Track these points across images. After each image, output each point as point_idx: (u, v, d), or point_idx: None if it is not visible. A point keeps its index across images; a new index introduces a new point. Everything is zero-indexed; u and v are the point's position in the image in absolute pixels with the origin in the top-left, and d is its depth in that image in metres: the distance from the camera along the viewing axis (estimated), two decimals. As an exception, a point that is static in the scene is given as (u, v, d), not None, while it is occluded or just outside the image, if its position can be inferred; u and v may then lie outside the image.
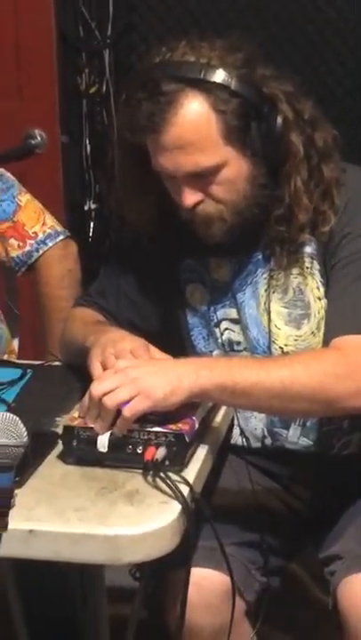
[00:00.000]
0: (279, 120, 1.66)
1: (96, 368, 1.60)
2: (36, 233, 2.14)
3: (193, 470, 1.47)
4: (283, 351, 1.77)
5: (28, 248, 2.13)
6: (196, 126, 1.62)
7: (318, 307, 1.75)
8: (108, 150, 2.99)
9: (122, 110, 1.69)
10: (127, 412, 1.45)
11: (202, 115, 1.61)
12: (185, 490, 1.40)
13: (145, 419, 1.48)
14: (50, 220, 2.17)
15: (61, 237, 2.17)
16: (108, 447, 1.47)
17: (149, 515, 1.36)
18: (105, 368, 1.59)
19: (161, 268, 1.86)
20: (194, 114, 1.61)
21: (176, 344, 1.84)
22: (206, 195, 1.67)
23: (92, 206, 3.05)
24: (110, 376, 1.51)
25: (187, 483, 1.42)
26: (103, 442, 1.47)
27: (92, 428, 1.49)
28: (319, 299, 1.75)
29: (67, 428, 1.50)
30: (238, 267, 1.79)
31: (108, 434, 1.47)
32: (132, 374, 1.48)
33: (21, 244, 2.13)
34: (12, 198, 2.13)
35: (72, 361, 1.80)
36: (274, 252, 1.74)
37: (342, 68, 2.78)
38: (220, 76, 1.61)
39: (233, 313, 1.81)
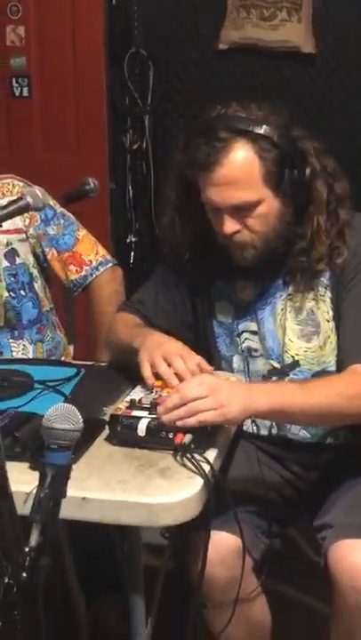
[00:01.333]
0: (308, 170, 1.65)
1: (146, 367, 1.60)
2: (90, 261, 2.14)
3: (213, 452, 1.47)
4: (294, 359, 1.76)
5: (84, 273, 2.13)
6: (243, 167, 1.61)
7: (327, 327, 1.73)
8: (147, 194, 3.00)
9: (181, 151, 1.69)
10: (203, 417, 1.44)
11: (248, 158, 1.61)
12: (207, 468, 1.40)
13: None
14: (102, 251, 2.18)
15: (110, 264, 2.17)
16: (146, 432, 1.47)
17: (178, 487, 1.36)
18: (154, 368, 1.59)
19: (195, 286, 1.85)
20: (242, 157, 1.61)
21: (203, 348, 1.83)
22: (244, 225, 1.66)
23: (133, 239, 3.05)
24: (199, 383, 1.49)
25: (208, 462, 1.42)
26: (142, 428, 1.47)
27: (133, 416, 1.48)
28: (328, 321, 1.73)
29: (112, 416, 1.50)
30: (261, 289, 1.78)
31: (147, 421, 1.47)
32: (218, 389, 1.47)
33: (79, 269, 2.13)
34: (72, 233, 2.14)
35: (115, 359, 1.79)
36: (294, 279, 1.73)
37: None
38: (265, 129, 1.61)
39: (253, 326, 1.79)
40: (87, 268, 2.13)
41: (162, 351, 1.60)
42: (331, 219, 1.69)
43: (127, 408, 1.52)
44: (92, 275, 2.13)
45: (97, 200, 2.77)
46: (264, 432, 1.81)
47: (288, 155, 1.63)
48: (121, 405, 1.53)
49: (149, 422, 1.47)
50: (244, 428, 1.80)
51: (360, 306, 1.68)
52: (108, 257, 2.18)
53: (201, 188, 1.66)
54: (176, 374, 1.58)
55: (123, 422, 1.48)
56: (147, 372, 1.59)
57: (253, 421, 1.80)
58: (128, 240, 3.05)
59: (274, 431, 1.81)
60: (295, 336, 1.76)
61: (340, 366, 1.70)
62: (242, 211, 1.64)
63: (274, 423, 1.80)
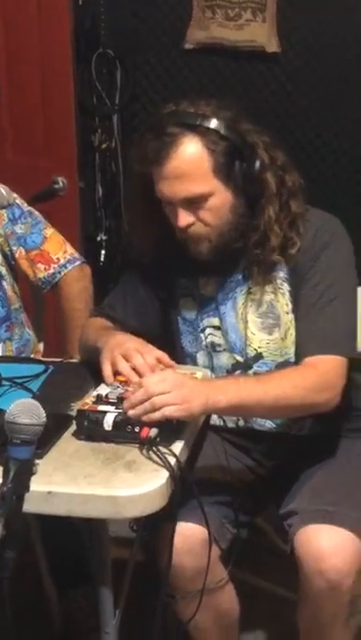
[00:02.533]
0: (258, 163, 1.67)
1: (106, 366, 1.61)
2: (58, 259, 2.14)
3: (179, 445, 1.47)
4: (256, 351, 1.77)
5: (52, 270, 2.13)
6: (192, 160, 1.62)
7: (287, 319, 1.75)
8: (116, 193, 3.00)
9: (135, 148, 1.70)
10: (168, 412, 1.45)
11: (197, 151, 1.63)
12: (172, 460, 1.41)
13: None
14: (69, 249, 2.17)
15: (78, 262, 2.17)
16: (112, 427, 1.47)
17: (144, 480, 1.36)
18: (114, 367, 1.60)
19: (160, 284, 1.85)
20: (191, 150, 1.62)
21: (169, 346, 1.83)
22: (197, 218, 1.67)
23: (103, 238, 3.04)
24: (164, 378, 1.50)
25: (174, 455, 1.42)
26: (109, 422, 1.47)
27: (99, 411, 1.48)
28: (287, 313, 1.74)
29: (79, 412, 1.50)
30: (222, 284, 1.79)
31: (113, 416, 1.48)
32: (182, 384, 1.49)
33: (47, 267, 2.13)
34: (39, 231, 2.13)
35: (88, 360, 1.80)
36: (252, 273, 1.74)
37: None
38: (213, 123, 1.63)
39: (215, 321, 1.81)
40: (55, 265, 2.13)
41: (122, 349, 1.61)
42: (283, 210, 1.70)
43: (94, 403, 1.52)
44: (60, 272, 2.13)
45: (67, 199, 2.79)
46: (231, 424, 1.82)
47: (237, 147, 1.64)
48: (88, 401, 1.53)
49: (116, 417, 1.47)
50: (212, 421, 1.80)
51: (315, 298, 1.69)
52: (76, 255, 2.18)
53: (154, 182, 1.67)
54: (136, 370, 1.58)
55: (89, 417, 1.48)
56: (106, 370, 1.60)
57: (220, 416, 1.80)
58: (98, 238, 3.04)
59: (241, 423, 1.82)
60: (257, 329, 1.77)
61: (297, 359, 1.72)
62: (194, 203, 1.65)
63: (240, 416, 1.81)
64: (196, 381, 1.57)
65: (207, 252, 1.71)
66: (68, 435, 1.51)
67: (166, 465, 1.39)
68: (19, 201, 2.10)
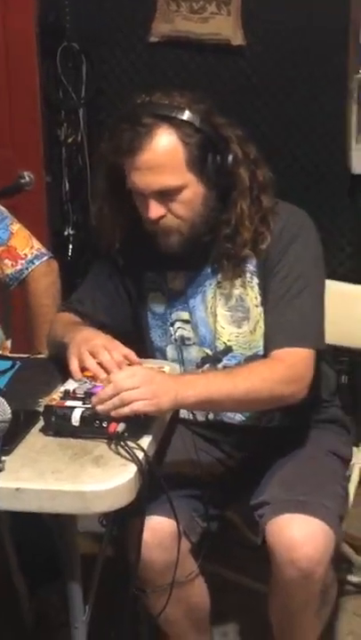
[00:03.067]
0: (231, 157, 1.67)
1: (73, 362, 1.60)
2: (25, 254, 2.12)
3: (147, 439, 1.47)
4: (226, 345, 1.77)
5: (19, 267, 2.11)
6: (166, 152, 1.62)
7: (256, 312, 1.75)
8: (83, 187, 2.98)
9: (107, 138, 1.69)
10: (137, 407, 1.44)
11: (171, 143, 1.62)
12: (140, 455, 1.41)
13: None
14: (36, 244, 2.16)
15: (46, 257, 2.16)
16: (80, 422, 1.46)
17: (112, 474, 1.36)
18: (81, 363, 1.59)
19: (129, 278, 1.85)
20: (165, 142, 1.61)
21: (138, 340, 1.83)
22: (168, 210, 1.66)
23: (71, 232, 3.03)
24: (134, 373, 1.49)
25: (142, 449, 1.42)
26: (76, 417, 1.46)
27: (67, 406, 1.48)
28: (257, 306, 1.75)
29: (47, 407, 1.49)
30: (191, 278, 1.79)
31: (80, 411, 1.47)
32: (151, 379, 1.48)
33: (14, 263, 2.11)
34: (5, 227, 2.11)
35: (56, 356, 1.79)
36: (222, 266, 1.74)
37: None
38: (187, 115, 1.62)
39: (185, 315, 1.80)
40: (22, 261, 2.11)
41: (89, 346, 1.60)
42: (254, 205, 1.70)
43: (61, 399, 1.51)
44: (27, 268, 2.11)
45: (33, 194, 2.76)
46: (201, 418, 1.82)
47: (211, 140, 1.64)
48: (55, 396, 1.53)
49: (83, 412, 1.47)
50: (181, 415, 1.81)
51: (283, 291, 1.70)
52: (43, 250, 2.16)
53: (126, 173, 1.66)
54: (103, 367, 1.57)
55: (57, 413, 1.47)
56: (73, 366, 1.59)
57: (190, 410, 1.81)
58: (66, 233, 3.03)
59: (210, 416, 1.82)
60: (226, 322, 1.77)
61: (265, 352, 1.72)
62: (166, 196, 1.65)
63: (210, 409, 1.82)
64: (164, 376, 1.56)
65: (177, 245, 1.70)
66: (35, 430, 1.50)
67: (134, 459, 1.39)
68: None
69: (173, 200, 1.65)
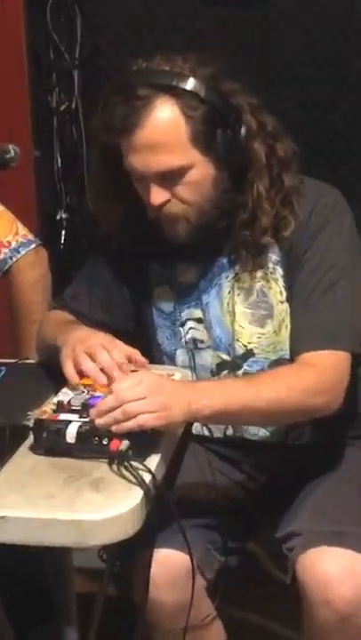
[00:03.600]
0: (243, 129, 1.66)
1: (69, 366, 1.59)
2: (9, 242, 2.13)
3: (155, 459, 1.46)
4: (247, 348, 1.77)
5: (1, 256, 2.12)
6: (166, 129, 1.62)
7: (281, 309, 1.75)
8: (78, 163, 2.98)
9: (99, 113, 1.69)
10: (143, 420, 1.43)
11: (172, 118, 1.62)
12: (147, 477, 1.40)
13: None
14: (22, 230, 2.16)
15: (33, 245, 2.16)
16: (76, 439, 1.46)
17: (113, 500, 1.35)
18: (77, 366, 1.58)
19: (131, 271, 1.85)
20: (165, 117, 1.61)
21: (143, 342, 1.83)
22: (173, 195, 1.67)
23: (64, 216, 3.04)
24: (137, 383, 1.48)
25: (149, 471, 1.41)
26: (72, 434, 1.46)
27: (60, 420, 1.48)
28: (281, 302, 1.75)
29: (37, 421, 1.49)
30: (204, 270, 1.79)
31: (77, 426, 1.47)
32: (159, 388, 1.47)
33: None
34: None
35: (47, 360, 1.79)
36: (240, 256, 1.74)
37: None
38: (190, 84, 1.62)
39: (197, 313, 1.81)
40: (5, 250, 2.11)
41: (85, 346, 1.60)
42: (274, 185, 1.70)
43: (54, 411, 1.51)
44: (11, 258, 2.12)
45: (19, 170, 2.74)
46: (218, 434, 1.83)
47: (219, 112, 1.64)
48: (47, 408, 1.53)
49: (80, 427, 1.46)
50: (195, 431, 1.80)
51: (312, 284, 1.70)
52: (31, 236, 2.16)
53: (123, 153, 1.66)
54: (103, 371, 1.57)
55: (49, 428, 1.47)
56: (68, 369, 1.59)
57: (204, 424, 1.81)
58: (58, 217, 3.05)
59: (229, 432, 1.83)
60: (246, 321, 1.77)
61: (292, 356, 1.72)
62: (170, 178, 1.65)
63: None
64: (175, 384, 1.56)
65: (185, 234, 1.71)
66: (24, 449, 1.50)
67: (140, 483, 1.39)
68: None
69: (178, 183, 1.66)
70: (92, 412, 1.47)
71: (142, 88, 1.61)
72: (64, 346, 1.64)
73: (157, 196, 1.66)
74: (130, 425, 1.44)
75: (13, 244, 2.12)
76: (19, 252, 2.12)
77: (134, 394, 1.46)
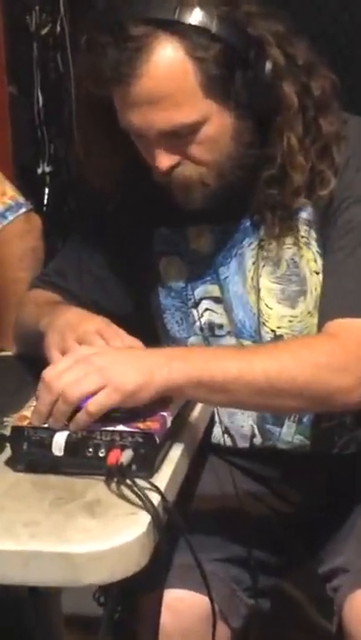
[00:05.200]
0: (268, 66, 1.66)
1: (57, 359, 1.59)
2: None
3: (165, 476, 1.47)
4: (275, 335, 1.78)
5: None
6: (171, 77, 1.61)
7: (315, 282, 1.76)
8: (65, 102, 2.98)
9: (82, 56, 1.68)
10: (92, 406, 1.44)
11: (177, 63, 1.61)
12: (155, 498, 1.40)
13: (107, 416, 1.47)
14: (10, 190, 2.18)
15: (24, 210, 2.18)
16: (65, 450, 1.46)
17: (113, 528, 1.35)
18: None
19: (130, 238, 1.87)
20: (167, 62, 1.61)
21: (148, 328, 1.85)
22: (184, 156, 1.67)
23: (47, 169, 3.04)
24: (70, 363, 1.49)
25: (157, 490, 1.42)
26: (59, 444, 1.46)
27: (46, 428, 1.48)
28: (317, 273, 1.75)
29: (15, 429, 1.49)
30: (222, 236, 1.80)
31: (65, 434, 1.47)
32: (98, 362, 1.48)
33: None
34: None
35: (26, 351, 1.81)
36: (264, 219, 1.75)
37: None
38: (197, 16, 1.60)
39: (215, 290, 1.82)
40: None
41: (76, 333, 1.61)
42: (309, 133, 1.71)
43: (37, 416, 1.52)
44: None
45: (-10, 112, 2.79)
46: (243, 444, 1.84)
47: (236, 48, 1.63)
48: (27, 412, 1.53)
49: (69, 436, 1.47)
50: (214, 440, 1.83)
51: (344, 243, 1.69)
52: (21, 199, 2.18)
53: (117, 108, 1.66)
54: None
55: (31, 437, 1.48)
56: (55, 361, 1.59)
57: (226, 431, 1.83)
58: (40, 170, 3.05)
59: (257, 441, 1.84)
60: (274, 300, 1.78)
61: (319, 325, 1.70)
62: (179, 136, 1.65)
63: (256, 431, 1.83)
64: (125, 352, 1.56)
65: (201, 201, 1.72)
66: (-1, 464, 1.51)
67: (146, 505, 1.39)
68: None
69: (190, 141, 1.66)
70: (33, 417, 1.48)
71: (136, 25, 1.60)
72: (49, 332, 1.65)
73: (164, 159, 1.67)
74: (83, 419, 1.44)
75: (0, 208, 2.13)
76: (5, 218, 2.14)
77: (69, 375, 1.46)
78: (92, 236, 1.89)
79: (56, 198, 3.03)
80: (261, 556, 1.78)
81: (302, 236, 1.75)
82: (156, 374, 1.48)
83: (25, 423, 1.50)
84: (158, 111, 1.63)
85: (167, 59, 1.61)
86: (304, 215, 1.75)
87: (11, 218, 2.14)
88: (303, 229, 1.75)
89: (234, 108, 1.66)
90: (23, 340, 1.84)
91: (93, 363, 1.48)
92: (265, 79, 1.66)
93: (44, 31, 2.98)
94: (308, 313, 1.76)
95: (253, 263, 1.78)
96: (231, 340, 1.82)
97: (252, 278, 1.79)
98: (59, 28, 2.97)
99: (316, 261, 1.75)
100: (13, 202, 2.15)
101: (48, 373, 1.49)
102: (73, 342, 1.60)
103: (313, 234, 1.75)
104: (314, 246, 1.75)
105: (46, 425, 1.49)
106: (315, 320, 1.75)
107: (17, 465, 1.49)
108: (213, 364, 1.52)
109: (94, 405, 1.44)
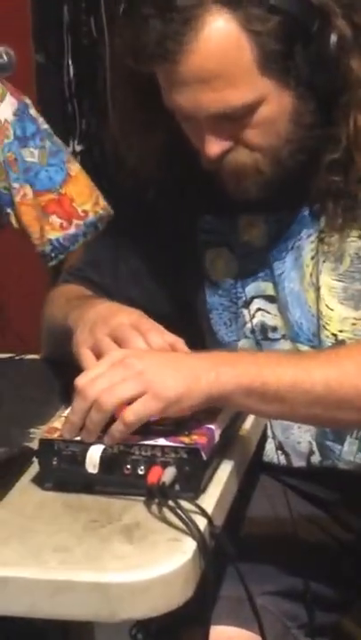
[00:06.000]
0: (333, 39, 1.66)
1: (87, 357, 1.61)
2: (86, 212, 2.17)
3: (212, 497, 1.47)
4: (336, 339, 1.79)
5: (73, 230, 2.15)
6: (223, 53, 1.62)
7: None
8: (99, 72, 2.99)
9: (121, 29, 1.70)
10: (131, 415, 1.44)
11: (230, 37, 1.62)
12: (201, 522, 1.40)
13: (148, 428, 1.48)
14: (102, 201, 2.20)
15: None
16: (100, 467, 1.47)
17: (154, 556, 1.36)
18: (99, 356, 1.59)
19: (172, 227, 1.88)
20: (220, 37, 1.61)
21: (191, 330, 1.85)
22: (237, 141, 1.69)
23: (77, 148, 3.06)
24: (105, 367, 1.50)
25: (204, 513, 1.42)
26: (93, 460, 1.47)
27: (79, 442, 1.49)
28: None
29: (44, 443, 1.50)
30: (277, 227, 1.82)
31: (101, 449, 1.48)
32: (137, 366, 1.48)
33: (65, 223, 2.15)
34: (61, 164, 2.16)
35: (56, 352, 1.82)
36: (325, 209, 1.76)
37: None
38: None
39: (268, 288, 1.83)
40: (79, 222, 2.14)
41: (109, 327, 1.61)
42: None
43: (68, 428, 1.53)
44: (85, 235, 2.15)
45: (15, 81, 2.79)
46: (300, 463, 1.85)
47: (297, 19, 1.63)
48: (58, 424, 1.54)
49: (105, 450, 1.47)
50: (267, 458, 1.84)
51: None
52: (110, 209, 2.19)
53: (161, 86, 1.67)
54: None
55: (61, 452, 1.49)
56: (87, 362, 1.60)
57: (280, 448, 1.84)
58: (70, 149, 3.06)
59: (315, 459, 1.85)
60: (335, 300, 1.79)
61: None
62: (232, 119, 1.66)
63: (315, 448, 1.84)
64: (168, 355, 1.57)
65: (256, 189, 1.73)
66: (26, 481, 1.52)
67: (192, 530, 1.39)
68: (33, 111, 2.12)
69: (244, 125, 1.68)
70: (64, 428, 1.49)
71: None
72: (78, 327, 1.66)
73: (216, 145, 1.68)
74: (119, 430, 1.44)
75: (91, 216, 2.15)
76: (96, 228, 2.15)
77: (104, 381, 1.47)
78: (129, 225, 1.91)
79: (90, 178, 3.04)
80: (319, 589, 1.79)
81: None
82: (203, 380, 1.48)
83: (55, 436, 1.51)
84: (209, 92, 1.63)
85: (219, 32, 1.61)
86: None
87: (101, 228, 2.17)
88: None
89: (294, 87, 1.67)
90: (52, 339, 1.86)
91: (131, 366, 1.48)
92: (330, 54, 1.66)
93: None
94: None
95: (312, 258, 1.79)
96: (286, 345, 1.82)
97: (311, 275, 1.79)
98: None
99: None
100: (105, 212, 2.19)
101: (81, 380, 1.49)
102: (105, 337, 1.60)
103: None
104: None
105: (79, 438, 1.50)
106: None
107: (46, 483, 1.50)
108: (266, 370, 1.52)
109: (132, 414, 1.44)
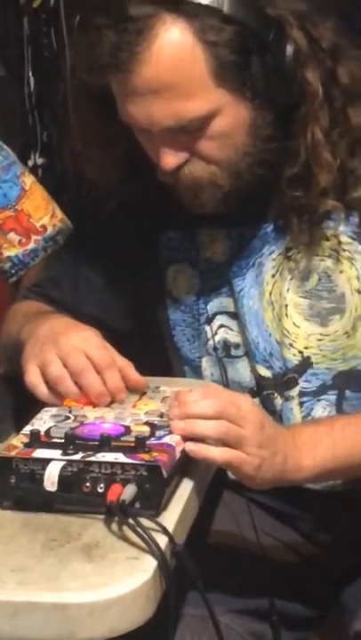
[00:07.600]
0: (289, 50, 1.67)
1: (33, 373, 1.61)
2: (44, 227, 2.16)
3: (174, 514, 1.47)
4: (303, 356, 1.79)
5: (32, 245, 2.15)
6: (177, 64, 1.62)
7: (357, 302, 1.77)
8: (60, 84, 2.99)
9: (76, 38, 1.70)
10: (203, 454, 1.47)
11: (184, 48, 1.62)
12: (162, 540, 1.40)
13: (108, 444, 1.48)
14: (59, 212, 2.19)
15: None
16: (59, 485, 1.46)
17: (114, 575, 1.35)
18: (44, 373, 1.60)
19: (134, 243, 1.88)
20: (173, 47, 1.61)
21: (155, 346, 1.86)
22: (193, 153, 1.68)
23: (39, 161, 3.06)
24: (217, 404, 1.48)
25: (165, 531, 1.41)
26: (52, 478, 1.46)
27: (36, 459, 1.48)
28: (359, 292, 1.77)
29: (2, 461, 1.49)
30: (239, 242, 1.82)
31: (59, 467, 1.48)
32: (262, 422, 1.49)
33: (24, 239, 2.15)
34: (15, 179, 2.15)
35: (12, 368, 1.81)
36: (290, 224, 1.76)
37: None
38: None
39: (230, 304, 1.84)
40: (38, 237, 2.14)
41: (58, 348, 1.61)
42: (337, 125, 1.72)
43: (26, 445, 1.52)
44: (45, 250, 2.15)
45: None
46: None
47: (252, 30, 1.64)
48: (16, 442, 1.54)
49: (64, 468, 1.47)
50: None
51: None
52: (69, 222, 2.19)
53: (116, 99, 1.67)
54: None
55: (19, 470, 1.48)
56: (34, 378, 1.61)
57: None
58: (31, 162, 3.07)
59: (279, 476, 1.84)
60: (301, 317, 1.79)
61: None
62: (187, 131, 1.66)
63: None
64: (275, 425, 1.57)
65: (213, 204, 1.72)
66: (-17, 500, 1.51)
67: (152, 549, 1.38)
68: None
69: (199, 137, 1.67)
70: (172, 410, 1.50)
71: (137, 4, 1.60)
72: (29, 341, 1.66)
73: (170, 157, 1.68)
74: (201, 451, 1.47)
75: (49, 231, 2.15)
76: (56, 243, 2.14)
77: (204, 408, 1.47)
78: (89, 241, 1.91)
79: (50, 194, 3.03)
80: (285, 606, 1.78)
81: (344, 249, 1.76)
82: (289, 470, 1.55)
83: (12, 453, 1.50)
84: (163, 103, 1.63)
85: (173, 43, 1.61)
86: (341, 226, 1.76)
87: (62, 242, 2.16)
88: (345, 241, 1.76)
89: (251, 99, 1.67)
90: (8, 354, 1.85)
91: (258, 418, 1.50)
92: (286, 65, 1.67)
93: (36, 4, 2.99)
94: (345, 333, 1.78)
95: (273, 276, 1.79)
96: (247, 362, 1.83)
97: (271, 293, 1.79)
98: (52, 1, 2.98)
99: (359, 279, 1.76)
100: (64, 225, 2.19)
101: (188, 395, 1.49)
102: (54, 358, 1.60)
103: (357, 246, 1.77)
104: (358, 262, 1.77)
105: (42, 455, 1.50)
106: (352, 341, 1.78)
107: (4, 502, 1.49)
108: (340, 450, 1.59)
109: (209, 454, 1.48)
